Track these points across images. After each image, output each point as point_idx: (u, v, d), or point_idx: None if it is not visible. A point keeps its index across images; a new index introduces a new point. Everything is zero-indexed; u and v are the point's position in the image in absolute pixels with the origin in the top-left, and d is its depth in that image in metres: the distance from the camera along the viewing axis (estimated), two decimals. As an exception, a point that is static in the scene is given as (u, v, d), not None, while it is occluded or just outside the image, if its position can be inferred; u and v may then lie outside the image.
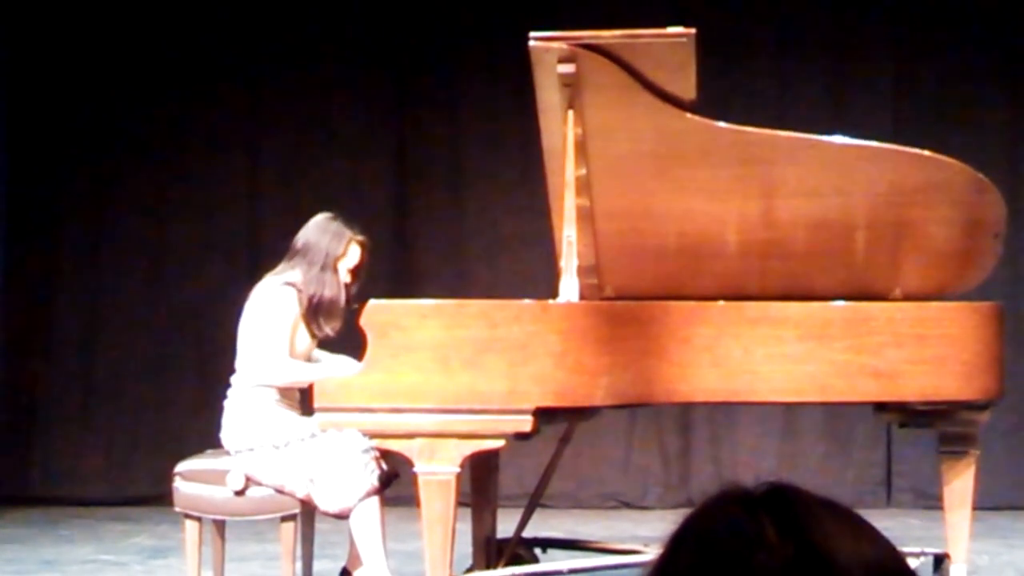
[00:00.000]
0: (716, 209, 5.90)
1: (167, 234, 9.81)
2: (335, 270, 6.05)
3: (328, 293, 6.02)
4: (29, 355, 9.81)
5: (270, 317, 5.94)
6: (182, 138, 9.82)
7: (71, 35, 9.80)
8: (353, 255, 6.10)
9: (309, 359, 6.08)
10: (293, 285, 6.00)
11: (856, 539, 1.27)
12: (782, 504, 1.28)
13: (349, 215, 6.25)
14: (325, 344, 6.16)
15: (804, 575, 1.24)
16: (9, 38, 9.73)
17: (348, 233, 6.09)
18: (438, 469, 5.26)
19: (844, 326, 5.51)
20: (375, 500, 5.79)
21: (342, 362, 6.01)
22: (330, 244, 6.06)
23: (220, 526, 6.16)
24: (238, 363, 6.05)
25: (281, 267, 6.10)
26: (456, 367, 5.24)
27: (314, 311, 6.00)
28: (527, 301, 5.45)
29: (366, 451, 5.72)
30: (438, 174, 9.82)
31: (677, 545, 1.29)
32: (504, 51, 8.12)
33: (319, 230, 6.10)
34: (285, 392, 5.99)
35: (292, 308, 5.98)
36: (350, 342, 5.88)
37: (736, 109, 7.81)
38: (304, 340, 6.04)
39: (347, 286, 6.09)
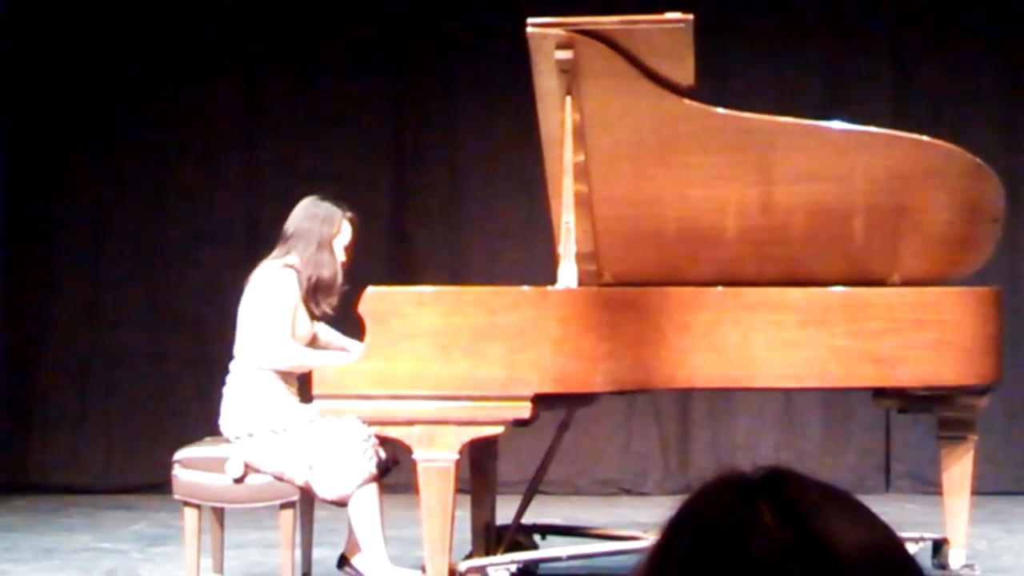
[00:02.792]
0: (715, 195, 5.90)
1: (166, 224, 9.80)
2: (331, 250, 6.07)
3: (327, 273, 6.03)
4: (28, 343, 9.80)
5: (273, 300, 5.95)
6: (180, 129, 9.81)
7: (70, 29, 9.79)
8: (346, 232, 6.12)
9: (312, 341, 6.08)
10: (293, 267, 6.01)
11: (854, 524, 1.26)
12: (779, 489, 1.27)
13: (348, 204, 6.25)
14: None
15: (802, 560, 1.23)
16: (8, 33, 9.71)
17: (339, 212, 6.12)
18: (437, 456, 5.27)
19: (843, 312, 5.51)
20: (373, 487, 5.79)
21: (341, 346, 6.03)
22: (323, 225, 6.08)
23: (219, 513, 6.17)
24: (237, 348, 6.05)
25: (276, 252, 6.11)
26: (455, 354, 5.24)
27: (313, 291, 6.02)
28: (526, 287, 5.45)
29: (366, 439, 5.72)
30: (436, 161, 9.81)
31: (674, 531, 1.29)
32: (502, 37, 8.11)
33: (310, 213, 6.12)
34: (284, 377, 5.99)
35: (293, 290, 5.98)
36: (346, 327, 5.88)
37: (734, 95, 7.80)
38: (304, 323, 6.04)
39: (342, 264, 6.10)
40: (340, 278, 6.07)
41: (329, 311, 6.08)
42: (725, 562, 1.24)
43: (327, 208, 6.12)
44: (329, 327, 6.21)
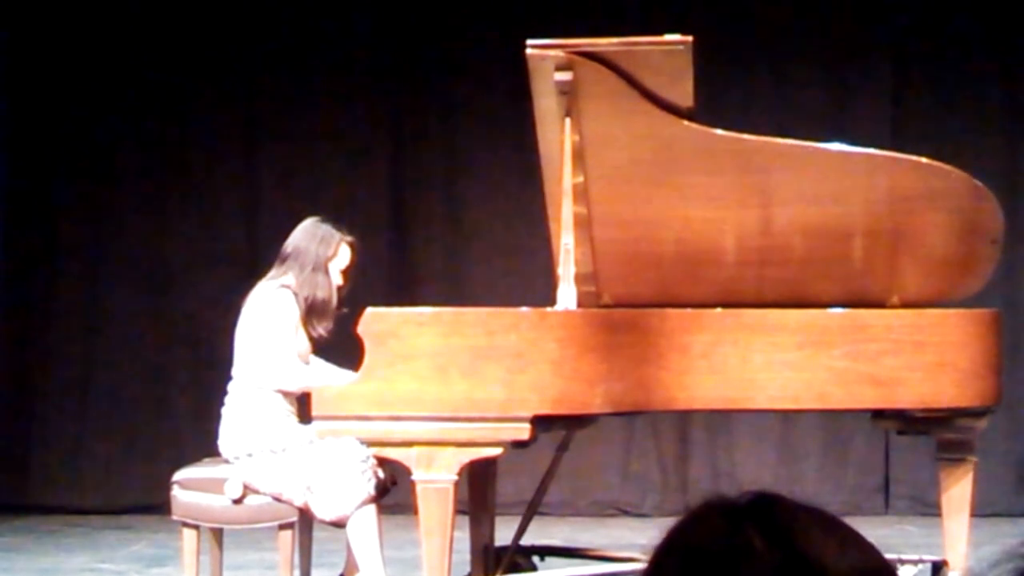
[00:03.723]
0: (714, 216, 5.90)
1: (165, 242, 9.81)
2: (327, 271, 6.07)
3: (321, 294, 6.03)
4: (27, 363, 9.80)
5: (274, 321, 5.94)
6: (181, 146, 9.83)
7: (72, 41, 9.81)
8: (344, 256, 6.12)
9: (307, 363, 6.08)
10: (289, 288, 6.01)
11: (842, 545, 1.27)
12: (767, 513, 1.27)
13: (347, 223, 6.26)
14: (319, 350, 6.17)
15: None
16: (10, 43, 9.73)
17: (337, 235, 6.12)
18: (436, 477, 5.26)
19: (842, 333, 5.51)
20: (372, 508, 5.79)
21: (340, 373, 6.01)
22: (320, 247, 6.08)
23: (218, 534, 6.16)
24: (235, 369, 6.05)
25: (273, 272, 6.12)
26: (454, 375, 5.23)
27: (307, 312, 6.01)
28: (524, 309, 5.45)
29: (364, 460, 5.72)
30: (435, 183, 9.82)
31: (663, 558, 1.29)
32: (501, 58, 8.12)
33: (308, 234, 6.13)
34: (285, 397, 5.99)
35: (293, 311, 5.98)
36: (344, 348, 5.88)
37: (734, 116, 7.81)
38: (303, 343, 6.04)
39: (339, 287, 6.10)
40: (335, 301, 6.07)
41: (324, 334, 6.06)
42: None
43: (326, 230, 6.13)
44: (322, 360, 6.19)
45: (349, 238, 6.15)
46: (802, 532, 1.26)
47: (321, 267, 6.06)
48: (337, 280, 6.09)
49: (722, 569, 1.24)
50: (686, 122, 5.66)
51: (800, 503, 1.29)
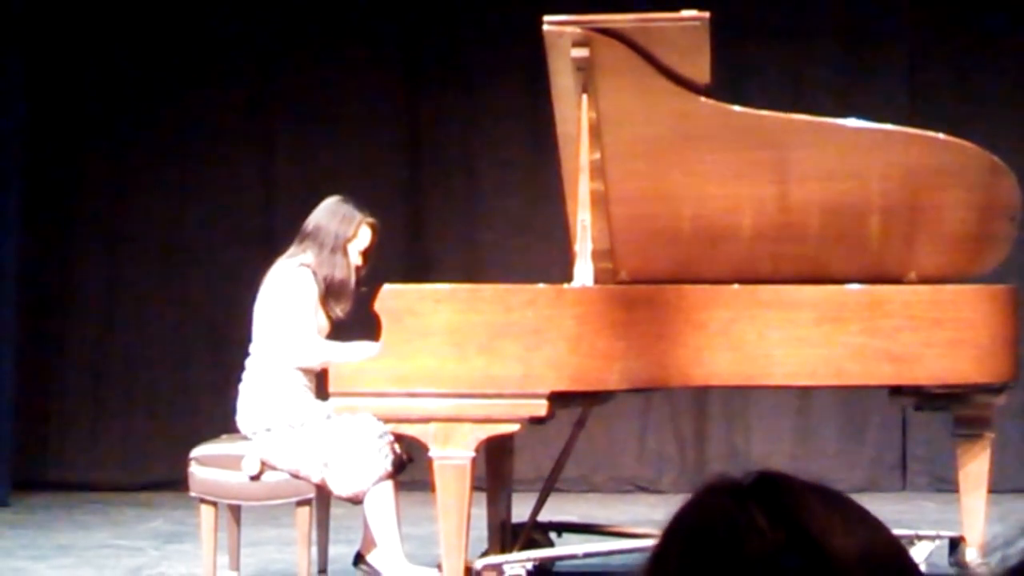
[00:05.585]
0: (731, 193, 5.90)
1: (183, 221, 9.82)
2: (345, 252, 6.06)
3: (339, 275, 6.02)
4: (46, 340, 9.82)
5: (294, 299, 5.94)
6: (197, 126, 9.82)
7: (88, 25, 9.81)
8: (364, 237, 6.10)
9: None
10: (308, 266, 6.01)
11: (847, 522, 1.27)
12: (770, 492, 1.28)
13: (363, 201, 6.25)
14: (338, 328, 6.16)
15: (796, 559, 1.24)
16: (28, 29, 9.72)
17: (358, 215, 6.10)
18: (453, 453, 5.27)
19: (859, 310, 5.51)
20: (389, 484, 5.80)
21: (362, 346, 6.01)
22: (340, 226, 6.06)
23: (235, 511, 6.17)
24: (253, 346, 6.06)
25: (292, 250, 6.11)
26: (471, 352, 5.24)
27: (325, 293, 6.01)
28: (541, 285, 5.45)
29: (381, 436, 5.72)
30: (452, 160, 9.81)
31: (669, 538, 1.30)
32: (518, 35, 8.10)
33: (329, 213, 6.11)
34: (301, 374, 5.99)
35: (312, 289, 5.98)
36: (364, 326, 5.89)
37: (750, 92, 7.79)
38: (322, 321, 6.04)
39: (358, 268, 6.09)
40: (352, 282, 6.05)
41: (342, 315, 6.06)
42: (721, 565, 1.25)
43: (347, 210, 6.11)
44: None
45: (371, 219, 6.13)
46: (806, 510, 1.26)
47: (340, 248, 6.04)
48: (356, 261, 6.08)
49: (726, 549, 1.25)
50: (703, 98, 5.66)
51: (805, 481, 1.30)
